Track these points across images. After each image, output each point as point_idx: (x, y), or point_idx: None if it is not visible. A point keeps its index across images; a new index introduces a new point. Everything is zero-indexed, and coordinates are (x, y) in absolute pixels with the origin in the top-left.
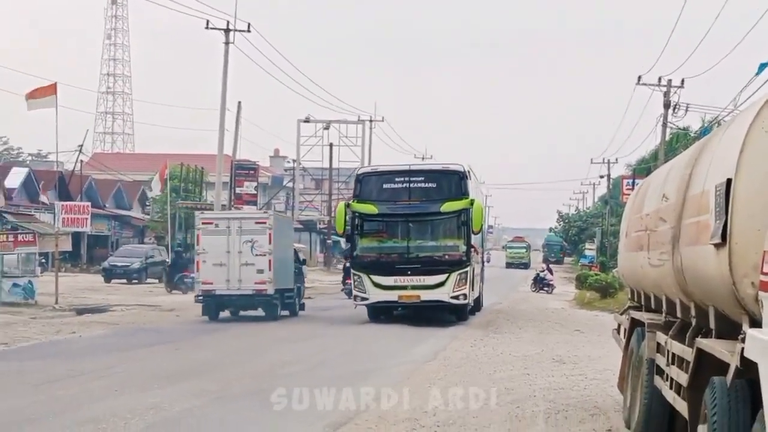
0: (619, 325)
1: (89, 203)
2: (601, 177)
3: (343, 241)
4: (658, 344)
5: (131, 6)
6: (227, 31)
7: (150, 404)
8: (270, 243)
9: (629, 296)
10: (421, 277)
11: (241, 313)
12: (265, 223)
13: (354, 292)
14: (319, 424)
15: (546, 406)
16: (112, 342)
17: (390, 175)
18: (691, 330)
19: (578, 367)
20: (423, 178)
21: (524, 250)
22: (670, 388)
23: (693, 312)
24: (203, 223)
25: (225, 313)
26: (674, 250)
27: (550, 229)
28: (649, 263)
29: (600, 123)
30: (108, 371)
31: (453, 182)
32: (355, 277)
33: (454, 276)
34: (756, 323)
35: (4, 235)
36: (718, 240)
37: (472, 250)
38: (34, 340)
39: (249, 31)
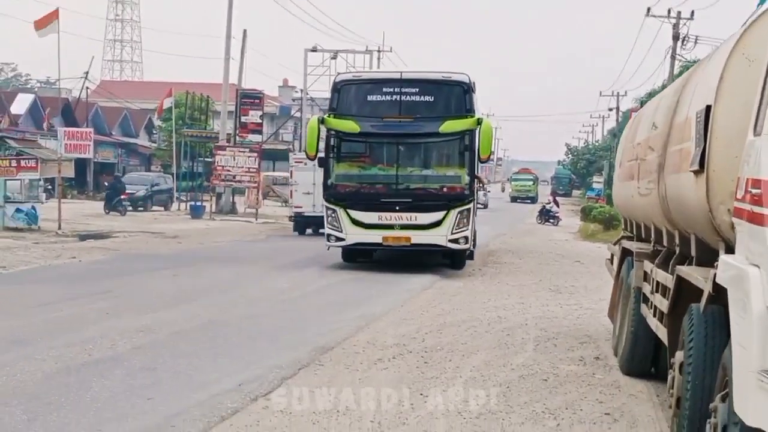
0: (612, 255)
1: (92, 129)
2: (610, 110)
3: None
4: (645, 273)
5: None
6: None
7: (140, 327)
8: None
9: (623, 226)
10: (413, 215)
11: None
12: None
13: (327, 230)
14: (306, 348)
15: (537, 333)
16: (110, 267)
17: (377, 84)
18: (674, 258)
19: (574, 297)
20: (418, 90)
21: (531, 183)
22: (654, 315)
23: (677, 240)
24: (295, 162)
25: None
26: (659, 179)
27: (559, 162)
28: (638, 192)
29: (610, 55)
30: (103, 295)
31: (455, 96)
32: (329, 212)
33: (454, 214)
34: (731, 250)
35: (7, 161)
36: (696, 167)
37: (476, 181)
38: (33, 264)
39: None
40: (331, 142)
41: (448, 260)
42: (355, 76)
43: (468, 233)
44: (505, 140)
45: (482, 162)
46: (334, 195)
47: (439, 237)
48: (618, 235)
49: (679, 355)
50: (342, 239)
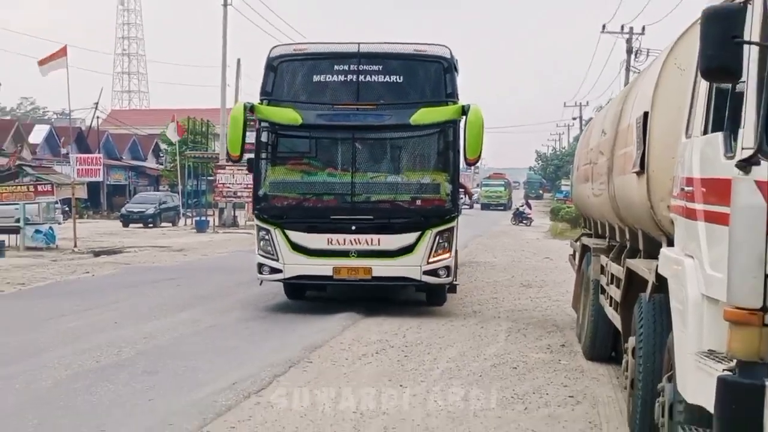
0: (574, 251)
1: (101, 155)
2: (574, 119)
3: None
4: (602, 266)
5: None
6: None
7: (144, 334)
8: None
9: (582, 225)
10: (374, 237)
11: None
12: None
13: (259, 258)
14: (296, 348)
15: (508, 325)
16: (120, 280)
17: (326, 60)
18: (626, 252)
19: (543, 291)
20: (382, 67)
21: (503, 189)
22: (610, 305)
23: (627, 235)
24: None
25: None
26: (609, 180)
27: (530, 168)
28: (593, 193)
29: (572, 68)
30: (113, 306)
31: (432, 76)
32: (262, 233)
33: (431, 236)
34: (672, 243)
35: (25, 187)
36: (638, 168)
37: (461, 191)
38: (50, 280)
39: None
40: (264, 138)
41: (422, 293)
42: (296, 49)
43: (450, 262)
44: None
45: (469, 164)
46: (267, 210)
47: (410, 268)
48: (579, 233)
49: (632, 341)
50: (278, 270)
